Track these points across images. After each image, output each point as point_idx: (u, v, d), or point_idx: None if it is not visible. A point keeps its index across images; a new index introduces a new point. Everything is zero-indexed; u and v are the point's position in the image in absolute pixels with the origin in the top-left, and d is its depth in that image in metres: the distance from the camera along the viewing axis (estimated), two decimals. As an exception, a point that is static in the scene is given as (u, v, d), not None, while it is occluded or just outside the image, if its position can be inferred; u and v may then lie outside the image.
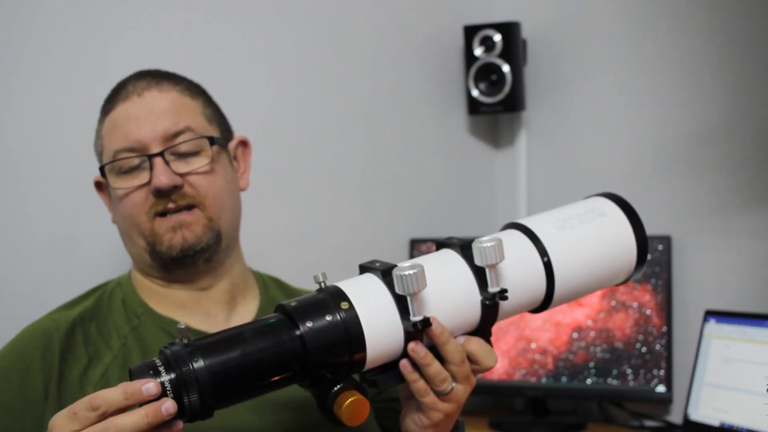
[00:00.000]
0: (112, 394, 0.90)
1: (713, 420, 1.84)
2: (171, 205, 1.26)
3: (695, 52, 2.08)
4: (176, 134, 1.27)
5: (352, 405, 0.94)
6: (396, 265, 0.99)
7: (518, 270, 1.04)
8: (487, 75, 2.28)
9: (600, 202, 1.12)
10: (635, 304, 2.06)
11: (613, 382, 2.07)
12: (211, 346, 0.92)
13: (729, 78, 2.04)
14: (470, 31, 2.29)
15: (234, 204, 1.34)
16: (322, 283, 1.00)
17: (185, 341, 0.92)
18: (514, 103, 2.27)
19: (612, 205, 1.11)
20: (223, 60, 1.96)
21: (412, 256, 2.22)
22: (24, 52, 1.73)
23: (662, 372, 2.03)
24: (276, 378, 0.95)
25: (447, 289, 1.01)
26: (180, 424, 0.91)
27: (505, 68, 2.25)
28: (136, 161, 1.27)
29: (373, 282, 1.00)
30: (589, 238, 1.07)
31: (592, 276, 1.08)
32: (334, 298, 0.97)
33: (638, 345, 2.05)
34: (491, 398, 2.38)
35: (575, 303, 2.10)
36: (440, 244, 1.07)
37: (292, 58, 2.08)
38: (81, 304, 1.31)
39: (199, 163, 1.28)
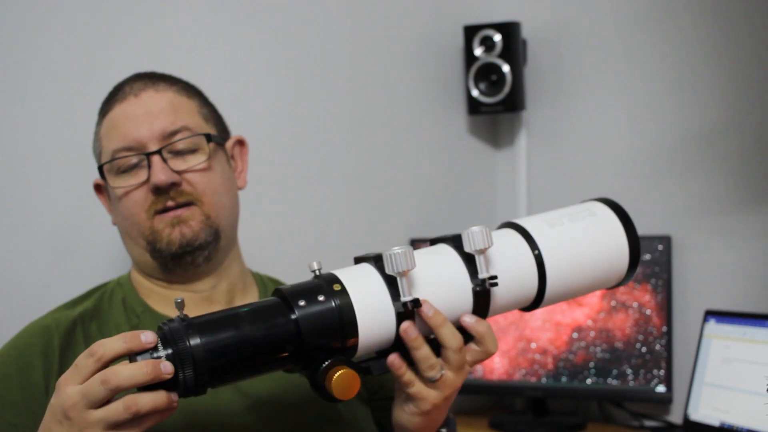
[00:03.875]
0: (111, 340, 0.93)
1: (713, 420, 1.84)
2: (170, 203, 1.27)
3: (695, 52, 2.09)
4: (173, 133, 1.28)
5: (341, 377, 0.96)
6: None
7: (509, 261, 1.06)
8: (487, 75, 2.28)
9: (591, 204, 1.15)
10: (635, 304, 2.06)
11: (613, 382, 2.07)
12: (207, 324, 0.95)
13: (729, 78, 2.04)
14: (470, 31, 2.29)
15: (231, 202, 1.34)
16: (317, 271, 1.02)
17: (182, 316, 0.95)
18: (514, 103, 2.27)
19: (603, 207, 1.14)
20: (222, 60, 1.97)
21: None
22: (28, 53, 1.73)
23: (662, 372, 2.03)
24: (269, 359, 0.97)
25: (437, 275, 1.04)
26: (176, 396, 0.93)
27: (505, 68, 2.25)
28: (134, 160, 1.28)
29: (365, 268, 1.03)
30: (579, 235, 1.10)
31: (583, 273, 1.10)
32: (327, 282, 1.00)
33: (638, 345, 2.05)
34: (491, 398, 2.38)
35: (575, 303, 2.10)
36: (434, 241, 1.10)
37: (291, 58, 2.08)
38: (81, 304, 1.32)
39: (196, 160, 1.29)
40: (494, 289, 1.05)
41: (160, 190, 1.26)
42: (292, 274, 1.53)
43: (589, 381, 2.09)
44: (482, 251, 1.03)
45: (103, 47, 1.81)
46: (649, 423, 2.11)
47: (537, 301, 1.10)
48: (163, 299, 1.32)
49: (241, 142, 1.41)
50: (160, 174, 1.25)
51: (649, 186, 2.17)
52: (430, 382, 1.04)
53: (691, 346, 1.98)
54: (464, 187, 2.40)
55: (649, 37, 2.16)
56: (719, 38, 2.05)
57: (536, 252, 1.07)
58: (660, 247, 2.05)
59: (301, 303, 0.97)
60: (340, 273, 1.01)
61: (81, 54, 1.78)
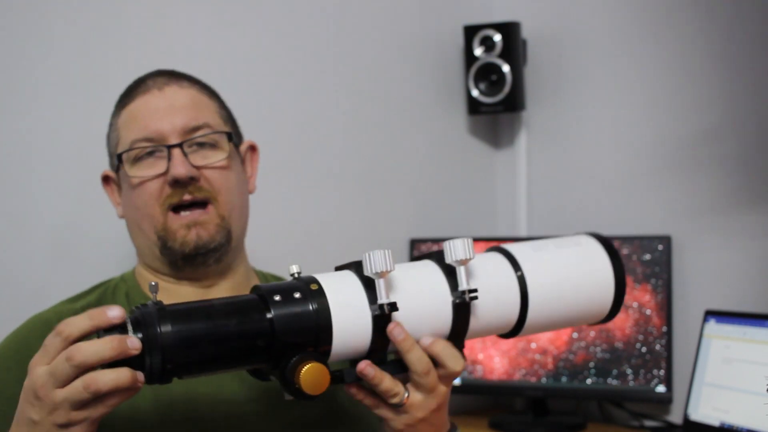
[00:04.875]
0: (77, 317, 0.92)
1: (713, 420, 1.84)
2: (187, 197, 1.27)
3: (695, 52, 2.09)
4: (195, 128, 1.29)
5: (309, 371, 0.95)
6: None
7: (491, 279, 1.05)
8: (487, 75, 2.28)
9: (579, 236, 1.15)
10: (635, 304, 2.06)
11: (613, 382, 2.07)
12: (180, 312, 0.94)
13: (729, 78, 2.04)
14: (470, 31, 2.29)
15: (243, 204, 1.35)
16: (296, 274, 1.03)
17: (155, 301, 0.94)
18: (514, 103, 2.27)
19: (590, 239, 1.13)
20: (224, 61, 1.96)
21: (411, 256, 2.22)
22: (29, 52, 1.73)
23: (662, 372, 2.03)
24: (239, 353, 0.96)
25: (417, 284, 1.03)
26: (142, 376, 0.92)
27: (505, 68, 2.25)
28: (153, 150, 1.27)
29: (344, 273, 1.03)
30: (563, 261, 1.09)
31: (565, 300, 1.09)
32: (305, 282, 1.00)
33: (638, 345, 2.05)
34: (491, 398, 2.38)
35: (575, 303, 2.10)
36: (415, 258, 1.10)
37: (291, 59, 2.08)
38: (84, 298, 1.32)
39: (216, 157, 1.29)
40: (474, 306, 1.04)
41: (178, 183, 1.26)
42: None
43: (589, 381, 2.09)
44: (463, 262, 1.02)
45: (105, 49, 1.81)
46: (649, 423, 2.11)
47: (518, 326, 1.09)
48: (168, 295, 1.32)
49: (252, 148, 1.42)
50: (180, 167, 1.25)
51: (650, 186, 2.17)
52: (396, 407, 1.04)
53: (691, 346, 1.98)
54: (464, 187, 2.40)
55: (649, 37, 2.16)
56: (719, 38, 2.05)
57: (519, 273, 1.06)
58: (660, 247, 2.05)
59: (277, 298, 0.97)
60: (318, 275, 1.01)
61: (83, 55, 1.78)
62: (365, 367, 1.00)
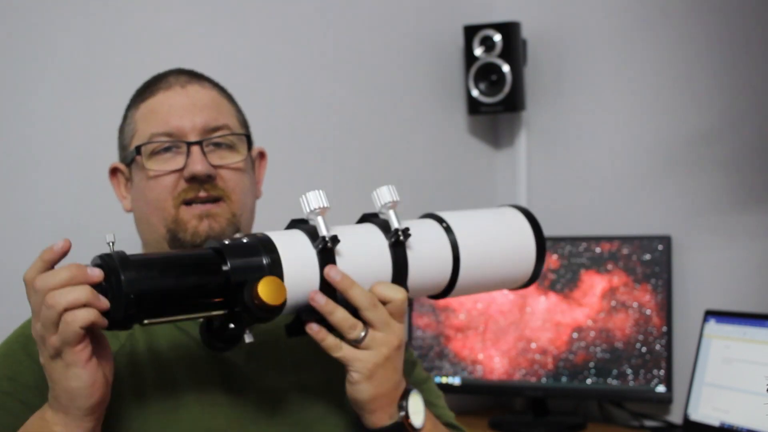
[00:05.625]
0: (33, 264, 1.01)
1: (713, 420, 1.84)
2: (202, 194, 1.28)
3: (695, 52, 2.09)
4: (215, 129, 1.30)
5: (265, 283, 0.99)
6: None
7: (420, 227, 1.14)
8: (487, 75, 2.28)
9: (499, 207, 1.24)
10: (635, 304, 2.06)
11: (613, 382, 2.07)
12: (142, 261, 1.00)
13: (729, 78, 2.04)
14: (470, 31, 2.29)
15: (252, 207, 1.36)
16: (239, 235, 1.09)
17: (119, 251, 0.99)
18: (514, 103, 2.27)
19: (509, 207, 1.23)
20: (223, 61, 1.97)
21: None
22: (32, 53, 1.73)
23: (662, 372, 2.03)
24: (198, 297, 1.01)
25: (354, 231, 1.10)
26: (105, 299, 0.97)
27: (505, 68, 2.25)
28: (171, 146, 1.29)
29: (289, 230, 1.10)
30: (485, 220, 1.19)
31: (492, 253, 1.17)
32: (253, 235, 1.06)
33: (638, 345, 2.05)
34: (491, 398, 2.38)
35: (575, 303, 2.10)
36: None
37: (291, 59, 2.08)
38: None
39: (234, 158, 1.31)
40: (410, 245, 1.10)
41: (195, 180, 1.27)
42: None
43: (589, 381, 2.09)
44: (393, 205, 1.10)
45: (107, 49, 1.81)
46: (649, 423, 2.11)
47: (450, 285, 1.15)
48: None
49: (262, 154, 1.43)
50: (199, 164, 1.26)
51: (649, 186, 2.17)
52: (357, 344, 1.06)
53: (691, 346, 1.98)
54: (464, 187, 2.40)
55: (649, 38, 2.17)
56: (718, 39, 2.05)
57: (444, 225, 1.15)
58: (660, 247, 2.05)
59: (226, 241, 1.04)
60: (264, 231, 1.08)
61: (84, 55, 1.78)
62: (315, 294, 1.04)
